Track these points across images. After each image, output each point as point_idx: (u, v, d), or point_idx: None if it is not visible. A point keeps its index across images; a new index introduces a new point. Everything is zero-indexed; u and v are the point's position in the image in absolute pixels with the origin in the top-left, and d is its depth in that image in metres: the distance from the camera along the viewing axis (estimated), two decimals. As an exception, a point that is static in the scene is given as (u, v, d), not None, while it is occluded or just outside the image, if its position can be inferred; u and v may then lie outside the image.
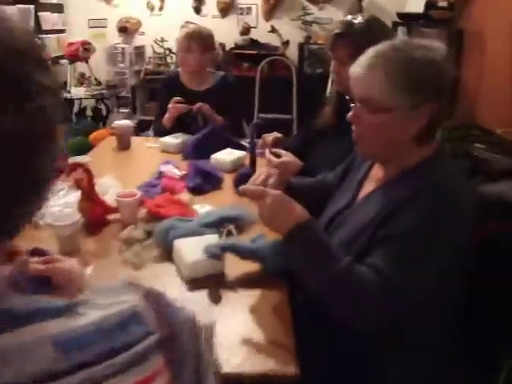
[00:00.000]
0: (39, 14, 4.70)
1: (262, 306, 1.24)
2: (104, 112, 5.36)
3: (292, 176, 1.64)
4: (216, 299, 1.26)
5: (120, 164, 2.46)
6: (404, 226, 1.07)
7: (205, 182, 2.03)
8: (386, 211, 1.12)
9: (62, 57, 4.98)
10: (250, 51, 4.95)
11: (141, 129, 4.31)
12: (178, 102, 2.62)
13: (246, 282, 1.34)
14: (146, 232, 1.54)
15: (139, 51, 5.22)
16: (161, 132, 2.74)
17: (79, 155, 2.42)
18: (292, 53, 5.12)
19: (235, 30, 5.04)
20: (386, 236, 1.09)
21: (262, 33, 5.07)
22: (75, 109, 5.14)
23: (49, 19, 4.82)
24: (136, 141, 2.82)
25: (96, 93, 4.94)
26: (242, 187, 1.23)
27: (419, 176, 1.14)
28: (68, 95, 4.97)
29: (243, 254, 1.32)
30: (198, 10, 5.08)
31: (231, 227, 1.38)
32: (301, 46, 5.08)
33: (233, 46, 5.01)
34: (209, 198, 1.92)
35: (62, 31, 5.14)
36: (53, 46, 4.90)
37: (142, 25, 5.13)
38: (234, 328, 1.15)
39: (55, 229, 1.48)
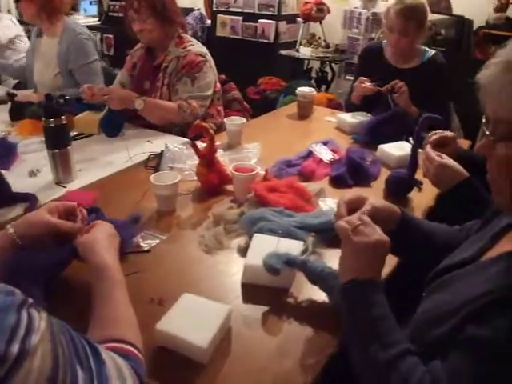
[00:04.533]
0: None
1: (299, 343, 1.00)
2: (329, 76, 5.25)
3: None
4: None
5: (281, 132, 2.34)
6: (505, 331, 0.69)
7: (351, 175, 1.76)
8: (497, 294, 0.74)
9: (297, 15, 4.99)
10: (503, 32, 4.15)
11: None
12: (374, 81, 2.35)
13: (304, 309, 1.09)
14: (240, 215, 1.38)
15: (377, 18, 4.87)
16: (350, 107, 2.53)
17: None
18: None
19: (489, 6, 4.27)
20: (474, 337, 0.72)
21: (523, 12, 4.20)
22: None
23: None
24: (319, 111, 2.65)
25: (321, 55, 4.83)
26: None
27: None
28: (296, 54, 5.00)
29: (311, 277, 1.06)
30: (452, -22, 4.44)
31: (310, 239, 1.12)
32: None
33: (483, 24, 4.27)
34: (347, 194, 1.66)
35: (305, -11, 5.10)
36: (291, 3, 4.93)
37: (385, -10, 4.75)
38: (249, 357, 0.94)
39: (155, 188, 1.44)
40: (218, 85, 2.42)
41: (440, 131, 1.67)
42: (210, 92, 2.26)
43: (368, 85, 2.32)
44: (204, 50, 2.31)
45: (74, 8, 6.40)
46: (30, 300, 0.60)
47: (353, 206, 1.03)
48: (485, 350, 0.71)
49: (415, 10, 2.26)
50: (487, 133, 0.80)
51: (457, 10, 4.44)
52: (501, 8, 4.22)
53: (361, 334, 0.86)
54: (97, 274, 0.93)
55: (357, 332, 0.87)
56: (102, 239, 1.00)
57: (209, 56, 2.30)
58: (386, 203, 1.10)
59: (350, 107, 2.56)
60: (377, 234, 0.92)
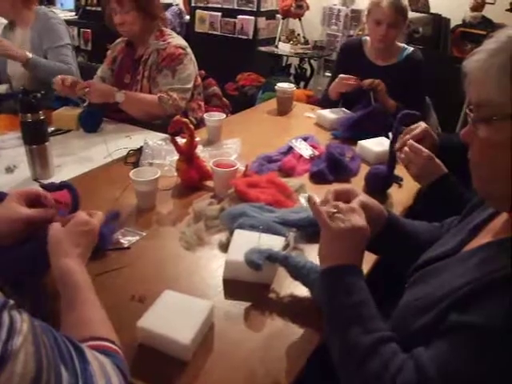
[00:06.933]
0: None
1: (281, 338, 1.00)
2: (308, 73, 5.26)
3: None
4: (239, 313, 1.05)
5: (261, 128, 2.34)
6: (488, 316, 0.70)
7: (331, 170, 1.77)
8: (483, 281, 0.75)
9: (277, 11, 4.99)
10: (479, 31, 4.22)
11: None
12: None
13: (286, 304, 1.09)
14: (221, 210, 1.38)
15: (356, 15, 4.90)
16: (327, 102, 2.53)
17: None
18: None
19: (466, 5, 4.34)
20: (458, 324, 0.73)
21: (498, 11, 4.27)
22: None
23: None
24: (299, 107, 2.66)
25: (300, 51, 4.84)
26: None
27: None
28: (275, 50, 5.00)
29: (292, 272, 1.07)
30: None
31: (291, 235, 1.12)
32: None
33: (459, 23, 4.34)
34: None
35: (284, -15, 5.10)
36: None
37: (364, -13, 4.78)
38: (234, 351, 0.94)
39: (134, 183, 1.43)
40: (199, 79, 2.41)
41: (417, 125, 1.66)
42: (190, 85, 2.25)
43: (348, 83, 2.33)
44: (184, 42, 2.31)
45: (51, 1, 6.29)
46: (11, 302, 0.59)
47: (342, 198, 1.03)
48: (470, 336, 0.71)
49: (402, 4, 2.33)
50: (471, 115, 0.81)
51: (434, 8, 4.50)
52: (477, 7, 4.29)
53: (342, 320, 0.85)
54: (60, 279, 0.88)
55: (337, 318, 0.86)
56: (65, 240, 0.93)
57: (189, 49, 2.30)
58: (376, 202, 1.08)
59: (325, 103, 2.56)
60: (354, 219, 0.91)
